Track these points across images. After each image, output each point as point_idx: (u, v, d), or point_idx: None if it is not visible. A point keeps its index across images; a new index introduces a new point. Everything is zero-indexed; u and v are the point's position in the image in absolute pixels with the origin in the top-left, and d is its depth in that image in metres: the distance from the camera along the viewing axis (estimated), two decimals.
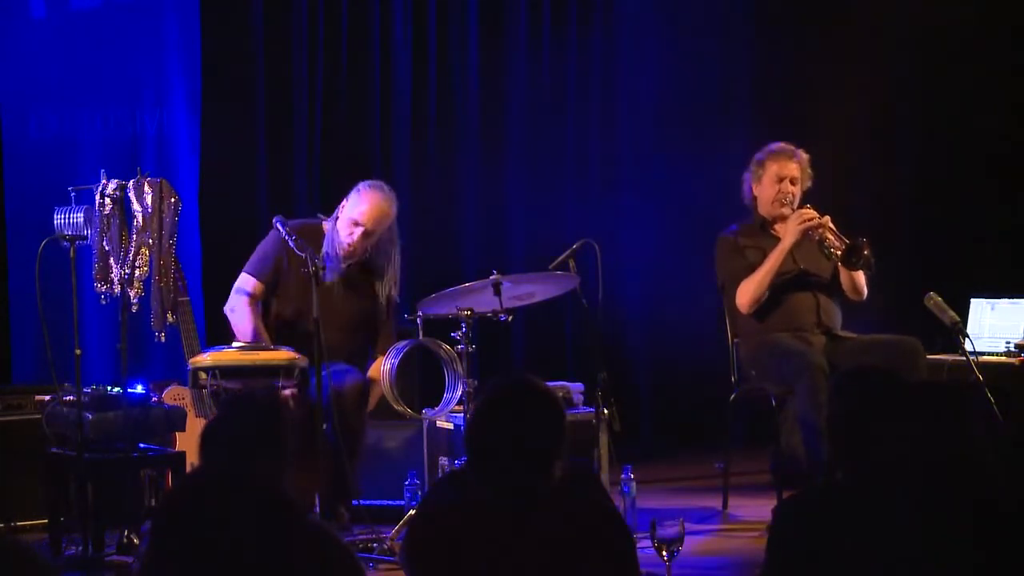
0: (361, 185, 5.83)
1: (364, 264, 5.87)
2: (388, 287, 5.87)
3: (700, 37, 8.25)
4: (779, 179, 6.10)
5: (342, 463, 5.32)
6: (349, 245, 5.76)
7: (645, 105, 8.11)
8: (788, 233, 5.96)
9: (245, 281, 5.83)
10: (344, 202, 5.81)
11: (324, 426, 5.19)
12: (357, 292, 5.86)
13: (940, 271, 7.75)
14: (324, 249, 5.76)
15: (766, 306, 6.01)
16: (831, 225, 5.96)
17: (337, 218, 5.81)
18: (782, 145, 6.17)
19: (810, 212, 5.97)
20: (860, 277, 6.04)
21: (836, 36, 8.21)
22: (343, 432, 5.33)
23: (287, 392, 5.12)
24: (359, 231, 5.74)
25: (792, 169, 6.11)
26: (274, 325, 5.81)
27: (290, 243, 5.45)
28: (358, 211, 5.75)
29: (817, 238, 5.98)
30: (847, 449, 2.99)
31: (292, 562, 2.21)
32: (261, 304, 5.82)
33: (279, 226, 5.50)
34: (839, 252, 5.91)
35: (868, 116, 8.09)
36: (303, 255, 5.35)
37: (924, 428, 2.95)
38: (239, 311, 5.78)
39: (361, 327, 5.88)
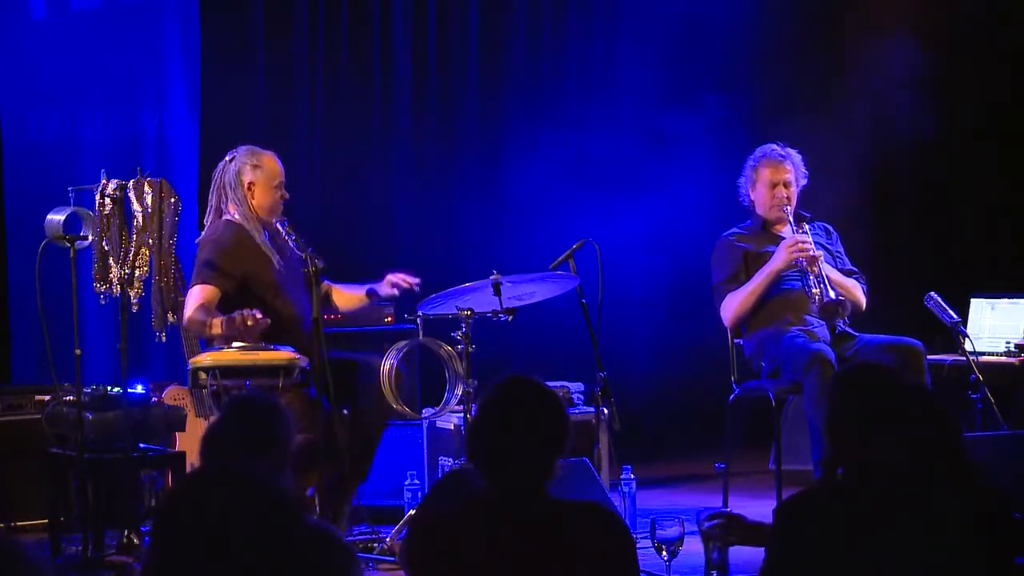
0: (244, 157, 5.53)
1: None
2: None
3: (701, 34, 8.25)
4: (772, 184, 6.15)
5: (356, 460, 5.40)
6: (281, 204, 5.57)
7: (647, 102, 8.11)
8: (778, 258, 6.01)
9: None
10: (227, 190, 5.50)
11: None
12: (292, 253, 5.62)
13: (940, 271, 7.75)
14: (251, 232, 5.49)
15: (769, 296, 6.06)
16: (819, 264, 5.97)
17: (238, 205, 5.50)
18: (773, 148, 6.20)
19: (805, 242, 5.99)
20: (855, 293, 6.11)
21: (837, 34, 8.22)
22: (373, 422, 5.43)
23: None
24: (283, 188, 5.59)
25: (784, 173, 6.15)
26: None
27: (291, 243, 5.44)
28: (278, 171, 5.55)
29: (802, 268, 6.01)
30: (847, 449, 2.98)
31: (292, 561, 2.21)
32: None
33: (279, 226, 5.48)
34: (817, 295, 5.93)
35: (869, 115, 8.09)
36: (302, 254, 5.33)
37: (924, 428, 2.95)
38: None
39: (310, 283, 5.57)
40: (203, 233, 5.52)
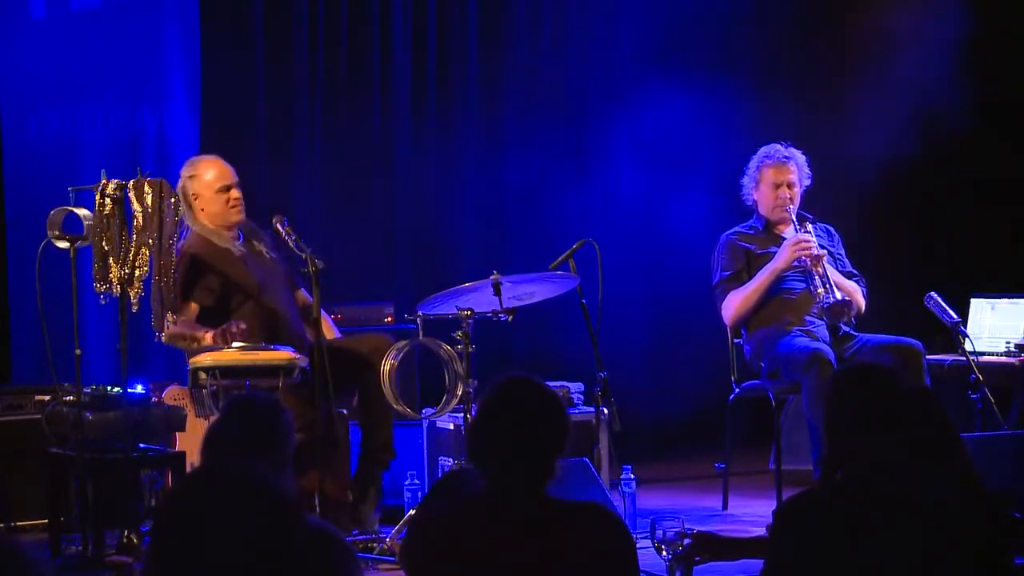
0: (184, 171, 5.60)
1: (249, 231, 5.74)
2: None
3: (701, 27, 8.25)
4: (776, 186, 6.16)
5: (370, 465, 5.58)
6: (235, 206, 5.59)
7: (647, 100, 8.10)
8: (781, 256, 6.03)
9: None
10: (184, 207, 5.46)
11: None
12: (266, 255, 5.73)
13: (940, 271, 7.74)
14: (216, 240, 5.57)
15: (769, 297, 6.06)
16: (823, 264, 5.98)
17: (194, 219, 5.55)
18: (777, 149, 6.21)
19: (808, 241, 5.99)
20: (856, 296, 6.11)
21: (839, 33, 8.22)
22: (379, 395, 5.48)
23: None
24: (233, 190, 5.60)
25: (788, 174, 6.16)
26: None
27: (291, 243, 5.44)
28: (216, 175, 5.58)
29: (805, 268, 6.01)
30: (847, 448, 2.99)
31: (292, 562, 2.21)
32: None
33: (279, 227, 5.48)
34: (822, 294, 5.94)
35: (869, 115, 8.09)
36: (303, 255, 5.33)
37: (922, 428, 2.95)
38: None
39: (293, 285, 5.78)
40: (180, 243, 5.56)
